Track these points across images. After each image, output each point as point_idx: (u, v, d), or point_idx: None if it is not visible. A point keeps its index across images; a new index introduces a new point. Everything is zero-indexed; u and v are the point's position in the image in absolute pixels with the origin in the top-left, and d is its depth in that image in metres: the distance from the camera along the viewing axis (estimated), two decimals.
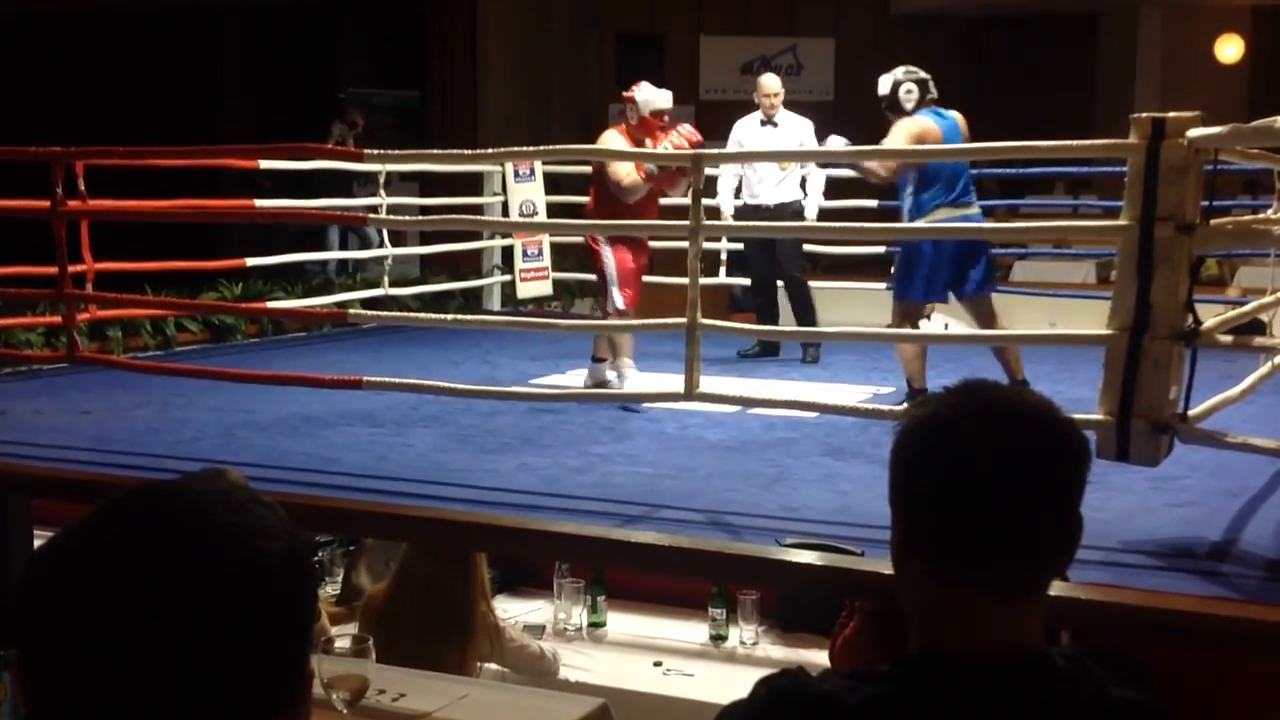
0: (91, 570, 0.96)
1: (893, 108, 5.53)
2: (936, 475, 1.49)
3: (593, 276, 7.44)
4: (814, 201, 7.38)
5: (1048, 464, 1.47)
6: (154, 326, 7.11)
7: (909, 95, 5.49)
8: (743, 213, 7.28)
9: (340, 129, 11.03)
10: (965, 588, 1.45)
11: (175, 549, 0.96)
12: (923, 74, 5.58)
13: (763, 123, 7.23)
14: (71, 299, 5.30)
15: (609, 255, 5.87)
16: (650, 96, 5.89)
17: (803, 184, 7.38)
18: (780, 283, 7.45)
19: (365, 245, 9.83)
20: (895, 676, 1.44)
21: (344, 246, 10.43)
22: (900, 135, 5.39)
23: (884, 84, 5.56)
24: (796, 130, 7.19)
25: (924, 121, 5.41)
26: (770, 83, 7.30)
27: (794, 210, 7.26)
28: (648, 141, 5.84)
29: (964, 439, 1.47)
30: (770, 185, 7.23)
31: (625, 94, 6.03)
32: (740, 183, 7.40)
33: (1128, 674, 1.49)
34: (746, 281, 7.80)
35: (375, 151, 5.67)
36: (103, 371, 5.77)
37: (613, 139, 5.92)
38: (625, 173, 5.74)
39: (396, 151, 6.41)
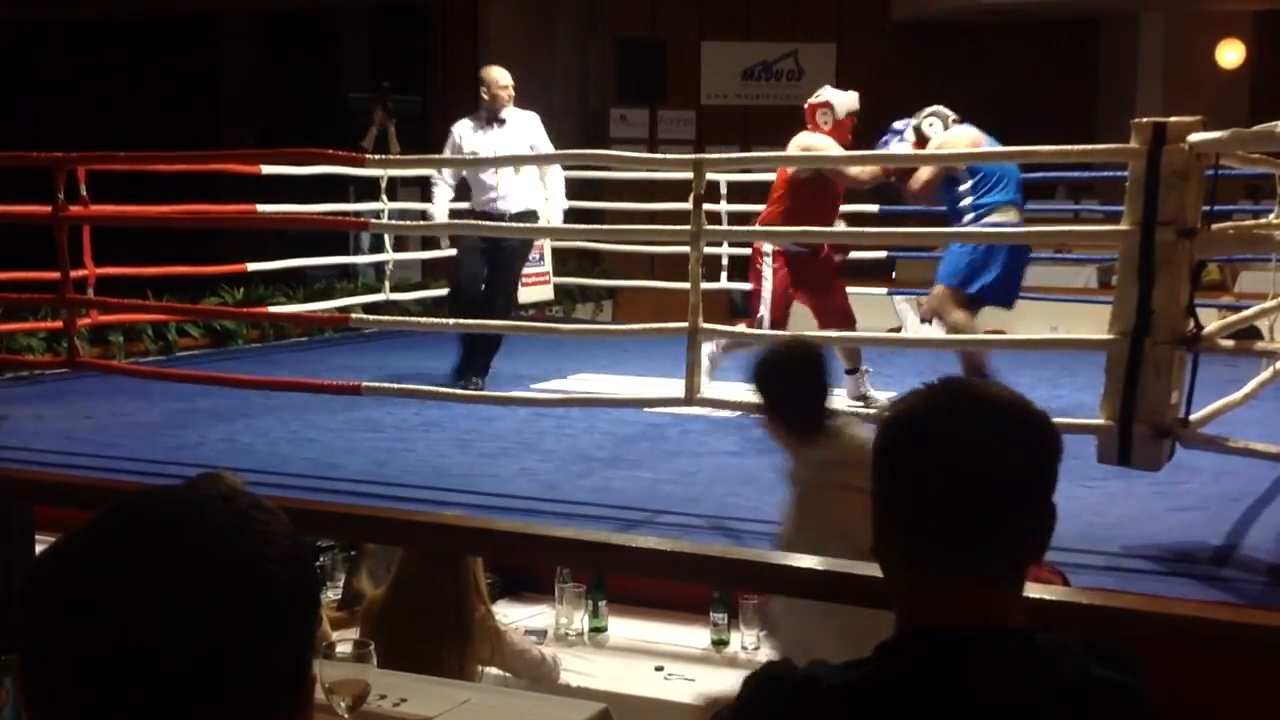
0: (93, 576, 0.96)
1: (923, 143, 5.52)
2: (912, 467, 1.53)
3: (594, 281, 7.46)
4: (556, 206, 6.62)
5: (1020, 456, 1.51)
6: (155, 331, 7.12)
7: (932, 127, 5.50)
8: (472, 218, 6.56)
9: (380, 117, 11.00)
10: (942, 575, 1.50)
11: (177, 555, 0.96)
12: (941, 109, 5.58)
13: (488, 120, 6.45)
14: (73, 304, 5.30)
15: (769, 271, 5.77)
16: (846, 100, 5.81)
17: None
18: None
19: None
20: (878, 659, 1.47)
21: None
22: (962, 143, 5.37)
23: (909, 133, 5.58)
24: (523, 127, 6.47)
25: (971, 131, 5.45)
26: (500, 75, 6.48)
27: (533, 220, 6.47)
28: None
29: (938, 432, 1.51)
30: (503, 189, 6.44)
31: (815, 101, 5.92)
32: (467, 187, 6.70)
33: (1109, 657, 1.51)
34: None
35: (377, 156, 5.67)
36: (104, 377, 5.77)
37: (823, 142, 5.72)
38: (858, 170, 5.74)
39: (399, 157, 6.41)
